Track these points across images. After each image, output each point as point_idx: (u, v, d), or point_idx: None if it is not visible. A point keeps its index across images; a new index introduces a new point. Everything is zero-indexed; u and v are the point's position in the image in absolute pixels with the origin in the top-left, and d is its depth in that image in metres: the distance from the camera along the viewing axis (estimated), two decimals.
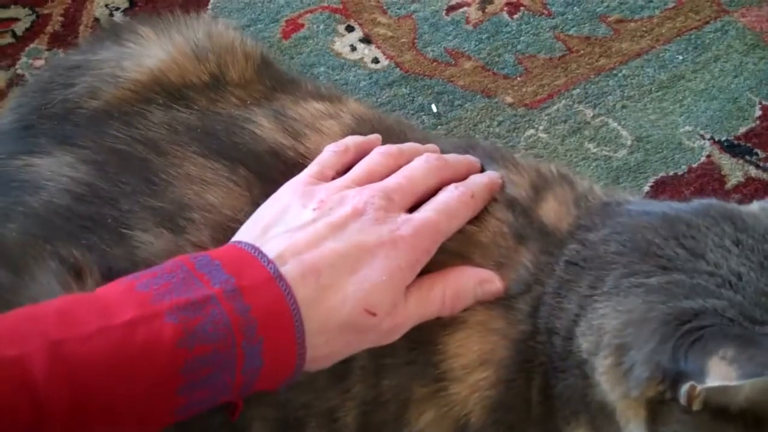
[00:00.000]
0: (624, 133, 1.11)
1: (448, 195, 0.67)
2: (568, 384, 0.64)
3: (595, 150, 1.09)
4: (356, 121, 0.77)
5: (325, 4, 1.24)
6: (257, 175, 0.70)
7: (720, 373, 0.54)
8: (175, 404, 0.54)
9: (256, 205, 0.66)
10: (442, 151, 0.73)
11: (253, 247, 0.60)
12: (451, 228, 0.66)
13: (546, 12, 1.23)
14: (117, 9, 1.22)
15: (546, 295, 0.65)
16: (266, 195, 0.67)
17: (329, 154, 0.70)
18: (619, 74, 1.17)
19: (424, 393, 0.65)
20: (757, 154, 1.09)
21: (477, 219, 0.68)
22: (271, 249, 0.59)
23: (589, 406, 0.63)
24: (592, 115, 1.13)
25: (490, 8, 1.23)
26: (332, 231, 0.62)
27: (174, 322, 0.53)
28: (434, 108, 1.13)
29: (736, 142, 1.10)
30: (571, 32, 1.21)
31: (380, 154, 0.70)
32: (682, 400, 0.57)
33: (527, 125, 1.12)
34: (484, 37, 1.20)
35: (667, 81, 1.16)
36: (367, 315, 0.60)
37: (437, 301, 0.64)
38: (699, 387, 0.56)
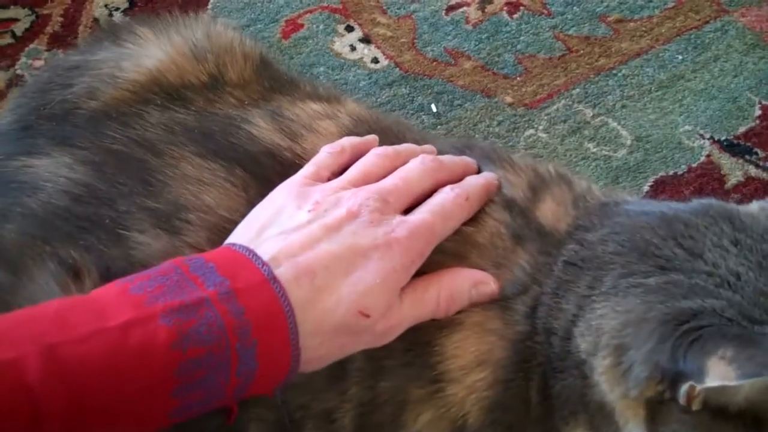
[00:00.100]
0: (624, 132, 1.11)
1: (444, 197, 0.67)
2: (566, 384, 0.64)
3: (594, 150, 1.09)
4: (354, 121, 0.77)
5: (325, 4, 1.24)
6: (253, 175, 0.70)
7: (719, 373, 0.54)
8: (170, 406, 0.54)
9: (252, 205, 0.66)
10: (439, 152, 0.73)
11: (248, 249, 0.60)
12: (446, 230, 0.66)
13: (546, 12, 1.23)
14: (116, 9, 1.22)
15: (544, 296, 0.65)
16: (262, 196, 0.67)
17: (325, 155, 0.70)
18: (619, 74, 1.17)
19: (422, 394, 0.65)
20: (756, 153, 1.09)
21: (474, 220, 0.68)
22: (265, 251, 0.59)
23: (588, 406, 0.63)
24: (591, 114, 1.13)
25: (489, 8, 1.23)
26: (327, 233, 0.62)
27: (168, 325, 0.53)
28: (434, 108, 1.13)
29: (735, 141, 1.10)
30: (570, 32, 1.21)
31: (376, 155, 0.70)
32: (682, 400, 0.57)
33: (527, 125, 1.12)
34: (483, 37, 1.20)
35: (666, 81, 1.16)
36: (361, 317, 0.60)
37: (432, 303, 0.64)
38: (698, 387, 0.56)
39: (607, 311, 0.62)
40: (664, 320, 0.59)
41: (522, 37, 1.20)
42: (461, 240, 0.67)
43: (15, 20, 1.21)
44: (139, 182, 0.69)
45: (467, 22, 1.22)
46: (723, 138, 1.10)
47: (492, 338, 0.65)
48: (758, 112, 1.12)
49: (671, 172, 1.07)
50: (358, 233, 0.62)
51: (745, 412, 0.57)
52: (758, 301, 0.59)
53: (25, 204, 0.70)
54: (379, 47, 1.19)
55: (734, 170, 1.07)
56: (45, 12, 1.22)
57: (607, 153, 1.09)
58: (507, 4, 1.24)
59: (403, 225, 0.63)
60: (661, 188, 1.06)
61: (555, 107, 1.13)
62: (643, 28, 1.21)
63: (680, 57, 1.18)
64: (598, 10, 1.23)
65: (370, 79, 1.16)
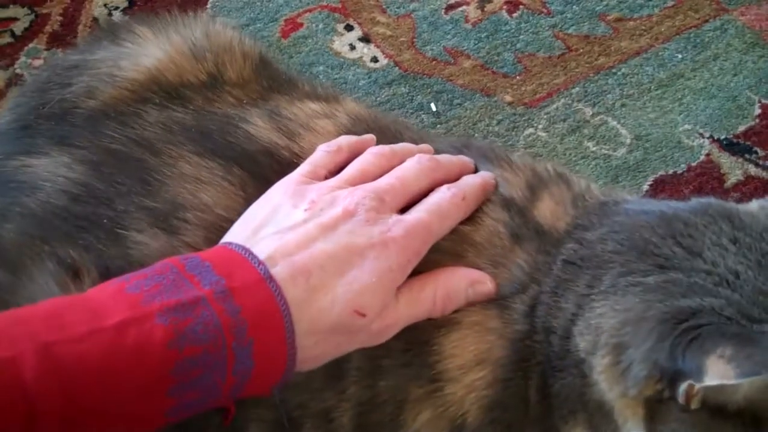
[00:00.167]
0: (623, 131, 1.11)
1: (440, 196, 0.67)
2: (565, 383, 0.64)
3: (594, 149, 1.09)
4: (352, 120, 0.77)
5: (324, 3, 1.24)
6: (251, 174, 0.70)
7: (718, 372, 0.54)
8: (166, 405, 0.54)
9: (249, 204, 0.66)
10: (437, 151, 0.73)
11: (244, 248, 0.60)
12: (443, 229, 0.66)
13: (545, 11, 1.23)
14: (116, 8, 1.22)
15: (543, 295, 0.65)
16: (260, 194, 0.67)
17: (322, 153, 0.70)
18: (619, 73, 1.17)
19: (420, 393, 0.65)
20: (756, 152, 1.09)
21: (471, 219, 0.68)
22: (261, 250, 0.59)
23: (587, 405, 0.63)
24: (591, 113, 1.13)
25: (489, 7, 1.23)
26: (323, 232, 0.62)
27: (164, 324, 0.53)
28: (433, 107, 1.13)
29: (735, 140, 1.10)
30: (570, 31, 1.21)
31: (373, 154, 0.70)
32: (680, 399, 0.57)
33: (526, 124, 1.11)
34: (483, 36, 1.20)
35: (666, 79, 1.16)
36: (356, 316, 0.60)
37: (428, 302, 0.64)
38: (697, 386, 0.55)
39: (606, 310, 0.62)
40: (663, 319, 0.59)
41: (521, 36, 1.20)
42: (458, 239, 0.67)
43: (14, 19, 1.21)
44: (138, 181, 0.69)
45: (467, 21, 1.22)
46: (722, 137, 1.10)
47: (491, 337, 0.65)
48: (758, 111, 1.12)
49: (671, 171, 1.07)
50: (354, 232, 0.62)
51: (743, 411, 0.56)
52: (757, 299, 0.59)
53: (24, 203, 0.70)
54: (378, 46, 1.19)
55: (734, 169, 1.07)
56: (44, 11, 1.22)
57: (606, 152, 1.09)
58: (506, 2, 1.24)
59: (399, 224, 0.63)
60: (660, 187, 1.06)
61: (554, 106, 1.13)
62: (643, 27, 1.21)
63: (680, 56, 1.18)
64: (597, 8, 1.23)
65: (369, 78, 1.16)
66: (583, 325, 0.63)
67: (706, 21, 1.22)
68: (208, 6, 1.23)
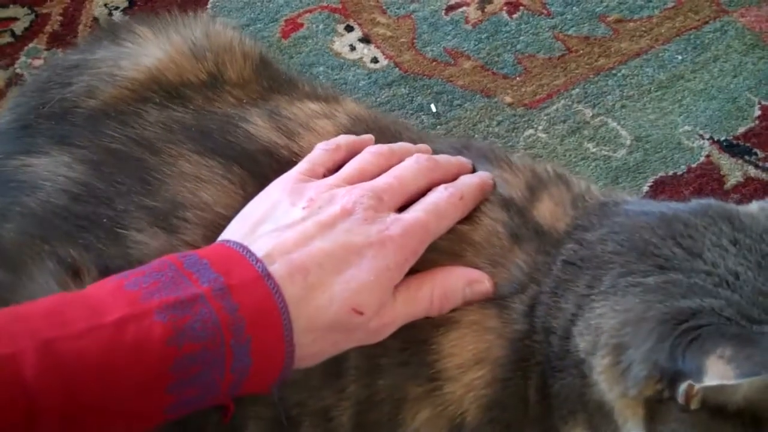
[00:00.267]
0: (623, 132, 1.11)
1: (438, 195, 0.67)
2: (565, 383, 0.64)
3: (594, 150, 1.09)
4: (351, 120, 0.77)
5: (325, 4, 1.24)
6: (251, 173, 0.70)
7: (718, 372, 0.54)
8: (165, 402, 0.54)
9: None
10: (437, 151, 0.73)
11: (241, 245, 0.60)
12: (440, 228, 0.66)
13: (545, 12, 1.23)
14: (116, 8, 1.22)
15: (543, 295, 0.65)
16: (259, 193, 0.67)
17: (320, 151, 0.70)
18: (619, 74, 1.17)
19: (419, 392, 0.65)
20: (756, 153, 1.09)
21: (470, 219, 0.69)
22: (259, 248, 0.60)
23: (587, 405, 0.63)
24: (591, 114, 1.13)
25: (489, 8, 1.23)
26: (321, 230, 0.62)
27: (163, 321, 0.53)
28: (433, 108, 1.13)
29: (735, 141, 1.10)
30: (570, 32, 1.21)
31: (371, 153, 0.70)
32: (680, 399, 0.57)
33: (526, 125, 1.12)
34: (483, 37, 1.20)
35: (666, 81, 1.16)
36: (354, 314, 0.60)
37: (425, 301, 0.64)
38: (697, 386, 0.56)
39: (606, 310, 0.62)
40: (663, 319, 0.59)
41: (521, 37, 1.20)
42: (456, 238, 0.68)
43: (14, 19, 1.21)
44: (138, 181, 0.69)
45: (467, 22, 1.22)
46: (722, 138, 1.10)
47: (490, 336, 0.65)
48: (758, 113, 1.12)
49: (671, 173, 1.07)
50: (351, 231, 0.62)
51: (743, 411, 0.56)
52: (757, 300, 0.59)
53: (24, 203, 0.70)
54: (378, 47, 1.19)
55: (734, 171, 1.07)
56: (44, 11, 1.22)
57: (606, 153, 1.09)
58: (506, 4, 1.24)
59: (397, 223, 0.64)
60: (660, 188, 1.06)
61: (554, 107, 1.13)
62: (643, 28, 1.21)
63: (680, 57, 1.18)
64: (597, 10, 1.23)
65: (369, 78, 1.16)
66: (583, 325, 0.63)
67: (706, 22, 1.22)
68: (209, 6, 1.23)
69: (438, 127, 1.11)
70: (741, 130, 1.11)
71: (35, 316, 0.53)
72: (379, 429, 0.66)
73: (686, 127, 1.11)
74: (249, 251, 0.59)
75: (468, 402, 0.64)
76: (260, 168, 0.70)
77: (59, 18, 1.21)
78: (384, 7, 1.24)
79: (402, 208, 0.66)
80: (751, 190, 1.06)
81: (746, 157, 1.08)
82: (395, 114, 1.11)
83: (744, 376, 0.53)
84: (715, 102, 1.13)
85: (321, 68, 1.17)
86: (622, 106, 1.13)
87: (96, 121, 0.75)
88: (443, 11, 1.23)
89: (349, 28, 1.21)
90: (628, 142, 1.10)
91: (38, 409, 0.49)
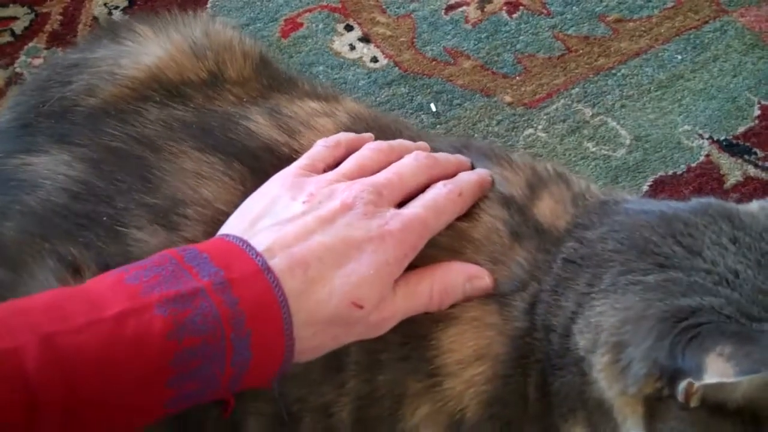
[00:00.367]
0: (623, 132, 1.11)
1: (437, 192, 0.67)
2: (565, 381, 0.64)
3: (594, 149, 1.09)
4: (352, 119, 0.77)
5: (324, 3, 1.24)
6: (251, 169, 0.70)
7: (717, 370, 0.54)
8: (165, 396, 0.54)
9: None
10: (437, 150, 0.73)
11: (241, 240, 0.60)
12: (439, 224, 0.67)
13: (545, 11, 1.23)
14: (116, 8, 1.22)
15: (543, 293, 0.65)
16: None
17: (320, 147, 0.70)
18: (618, 74, 1.17)
19: (419, 388, 0.65)
20: (755, 153, 1.09)
21: (470, 216, 0.69)
22: (259, 242, 0.60)
23: (587, 403, 0.63)
24: (591, 114, 1.13)
25: (489, 7, 1.23)
26: (321, 224, 0.62)
27: (164, 315, 0.53)
28: (433, 107, 1.13)
29: (734, 141, 1.10)
30: (570, 32, 1.21)
31: (371, 149, 0.70)
32: (680, 397, 0.57)
33: (526, 124, 1.12)
34: (483, 37, 1.20)
35: (666, 80, 1.16)
36: (354, 308, 0.60)
37: (425, 296, 0.64)
38: (696, 384, 0.56)
39: (606, 308, 0.62)
40: (663, 317, 0.59)
41: (521, 37, 1.20)
42: (456, 235, 0.68)
43: (14, 18, 1.21)
44: (138, 179, 0.69)
45: (466, 22, 1.22)
46: (722, 138, 1.10)
47: (490, 333, 0.65)
48: (757, 112, 1.12)
49: (670, 172, 1.07)
50: (352, 225, 0.62)
51: (743, 409, 0.56)
52: (756, 298, 0.59)
53: (24, 202, 0.70)
54: (378, 46, 1.19)
55: (733, 170, 1.07)
56: (44, 10, 1.22)
57: (606, 152, 1.09)
58: (506, 3, 1.24)
59: (396, 218, 0.64)
60: (660, 188, 1.06)
61: (554, 107, 1.13)
62: (643, 28, 1.21)
63: (679, 57, 1.18)
64: (597, 9, 1.23)
65: (369, 78, 1.16)
66: (583, 323, 0.63)
67: (706, 22, 1.22)
68: (208, 5, 1.23)
69: (438, 126, 1.11)
70: (740, 129, 1.11)
71: (35, 311, 0.53)
72: (379, 424, 0.66)
73: (686, 127, 1.11)
74: (249, 245, 0.59)
75: (468, 398, 0.65)
76: (261, 164, 0.71)
77: (59, 17, 1.21)
78: (384, 7, 1.24)
79: (401, 205, 0.66)
80: (751, 189, 1.06)
81: (746, 157, 1.08)
82: (395, 113, 1.11)
83: (743, 374, 0.53)
84: (714, 102, 1.14)
85: (321, 67, 1.17)
86: (622, 106, 1.13)
87: (96, 120, 0.75)
88: (443, 11, 1.23)
89: (349, 28, 1.21)
90: (628, 142, 1.10)
91: (39, 403, 0.49)
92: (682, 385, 0.56)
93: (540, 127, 1.11)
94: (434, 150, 0.73)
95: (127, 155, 0.71)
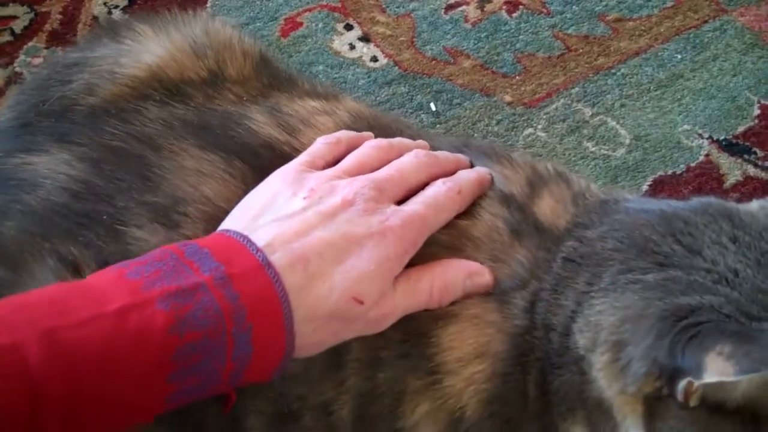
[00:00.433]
0: (622, 132, 1.11)
1: (436, 189, 0.68)
2: (564, 380, 0.64)
3: (593, 149, 1.09)
4: (352, 118, 0.77)
5: (324, 3, 1.24)
6: (252, 167, 0.70)
7: (717, 369, 0.54)
8: (167, 391, 0.55)
9: None
10: (437, 149, 0.73)
11: (242, 235, 0.60)
12: (439, 221, 0.67)
13: (545, 11, 1.23)
14: (116, 7, 1.23)
15: (543, 291, 0.65)
16: None
17: (320, 145, 0.71)
18: (618, 73, 1.17)
19: (419, 385, 0.65)
20: (755, 152, 1.09)
21: (470, 214, 0.69)
22: (260, 237, 0.60)
23: (586, 402, 0.63)
24: (590, 113, 1.13)
25: (488, 7, 1.23)
26: (322, 220, 0.62)
27: (165, 309, 0.54)
28: (433, 107, 1.13)
29: (734, 141, 1.10)
30: (569, 31, 1.21)
31: (371, 147, 0.71)
32: (679, 396, 0.57)
33: (526, 124, 1.12)
34: (482, 36, 1.20)
35: (665, 80, 1.16)
36: (354, 303, 0.60)
37: (425, 293, 0.64)
38: (696, 383, 0.56)
39: (606, 307, 0.62)
40: (663, 316, 0.59)
41: (521, 36, 1.20)
42: (456, 233, 0.68)
43: (14, 18, 1.21)
44: (138, 177, 0.69)
45: (466, 21, 1.22)
46: (722, 137, 1.10)
47: (490, 331, 0.65)
48: (757, 112, 1.13)
49: (670, 172, 1.07)
50: (352, 221, 0.62)
51: (742, 408, 0.57)
52: (756, 297, 0.59)
53: (25, 201, 0.70)
54: (378, 46, 1.19)
55: (733, 170, 1.07)
56: (44, 10, 1.22)
57: (605, 152, 1.09)
58: (506, 2, 1.24)
59: (397, 214, 0.64)
60: (659, 187, 1.06)
61: (554, 106, 1.13)
62: (642, 28, 1.21)
63: (679, 56, 1.18)
64: (597, 9, 1.23)
65: (369, 77, 1.16)
66: (583, 322, 0.63)
67: (706, 21, 1.22)
68: (208, 5, 1.23)
69: (437, 125, 1.11)
70: (740, 129, 1.11)
71: (37, 305, 0.53)
72: (379, 422, 0.66)
73: (685, 126, 1.11)
74: (249, 241, 0.59)
75: (468, 396, 0.65)
76: (261, 162, 0.71)
77: (59, 16, 1.21)
78: (383, 6, 1.24)
79: (401, 202, 0.67)
80: (751, 189, 1.06)
81: (745, 156, 1.09)
82: (395, 113, 1.11)
83: (743, 373, 0.53)
84: (714, 101, 1.14)
85: (320, 67, 1.17)
86: (622, 105, 1.13)
87: (96, 119, 0.75)
88: (443, 10, 1.23)
89: (349, 27, 1.22)
90: (628, 141, 1.10)
91: (42, 398, 0.50)
92: (682, 384, 0.56)
93: (540, 126, 1.11)
94: (434, 149, 0.73)
95: (127, 154, 0.71)
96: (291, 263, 0.59)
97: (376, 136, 0.73)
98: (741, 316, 0.58)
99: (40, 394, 0.49)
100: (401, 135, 0.76)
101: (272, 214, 0.63)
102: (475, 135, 1.10)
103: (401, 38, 1.20)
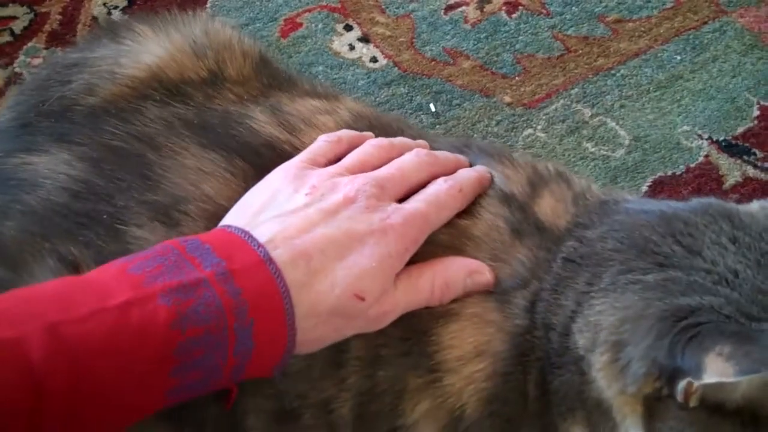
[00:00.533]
0: (622, 132, 1.11)
1: (437, 187, 0.68)
2: (564, 380, 0.64)
3: (593, 149, 1.09)
4: (353, 117, 0.77)
5: (324, 3, 1.24)
6: (253, 166, 0.70)
7: (717, 370, 0.54)
8: (168, 386, 0.55)
9: None
10: (437, 150, 0.74)
11: (243, 231, 0.60)
12: (440, 219, 0.67)
13: (544, 11, 1.23)
14: (115, 7, 1.23)
15: (543, 291, 0.65)
16: None
17: (322, 143, 0.71)
18: (618, 74, 1.17)
19: (419, 383, 0.65)
20: (755, 153, 1.09)
21: (470, 213, 0.69)
22: (262, 233, 0.60)
23: (586, 402, 0.63)
24: (590, 114, 1.13)
25: (488, 7, 1.23)
26: (324, 217, 0.62)
27: (167, 304, 0.54)
28: (432, 107, 1.13)
29: (734, 141, 1.10)
30: (569, 32, 1.21)
31: (372, 145, 0.71)
32: (679, 397, 0.57)
33: (525, 125, 1.12)
34: (482, 37, 1.20)
35: (665, 81, 1.16)
36: (356, 299, 0.60)
37: (426, 290, 0.65)
38: (696, 383, 0.56)
39: (606, 307, 0.62)
40: (663, 317, 0.59)
41: (521, 37, 1.20)
42: (457, 233, 0.68)
43: (13, 18, 1.21)
44: (138, 177, 0.69)
45: (466, 22, 1.22)
46: (721, 138, 1.10)
47: (491, 330, 0.65)
48: (756, 113, 1.13)
49: (669, 173, 1.07)
50: (354, 218, 0.63)
51: (742, 409, 0.56)
52: (756, 298, 0.59)
53: (24, 201, 0.70)
54: (377, 46, 1.19)
55: (732, 171, 1.08)
56: (43, 10, 1.22)
57: (605, 153, 1.09)
58: (506, 3, 1.24)
59: (398, 212, 0.64)
60: (659, 188, 1.06)
61: (553, 107, 1.13)
62: (642, 29, 1.21)
63: (679, 57, 1.18)
64: (596, 10, 1.23)
65: (368, 78, 1.16)
66: (583, 322, 0.63)
67: (705, 23, 1.22)
68: (208, 5, 1.23)
69: (437, 126, 1.11)
70: (740, 130, 1.11)
71: (39, 300, 0.53)
72: (380, 420, 0.66)
73: (685, 127, 1.11)
74: (251, 236, 0.60)
75: (468, 395, 0.65)
76: (262, 161, 0.71)
77: (58, 17, 1.21)
78: (383, 7, 1.24)
79: (401, 201, 0.67)
80: (750, 190, 1.06)
81: (745, 157, 1.09)
82: (394, 113, 1.11)
83: (743, 374, 0.53)
84: (713, 102, 1.14)
85: (320, 67, 1.17)
86: (621, 106, 1.13)
87: (96, 119, 0.75)
88: (442, 11, 1.23)
89: (348, 28, 1.22)
90: (627, 142, 1.10)
91: (45, 392, 0.50)
92: (682, 384, 0.56)
93: (539, 127, 1.11)
94: (435, 149, 0.74)
95: (127, 154, 0.71)
96: (293, 259, 0.59)
97: (376, 136, 0.74)
98: (741, 316, 0.58)
99: (43, 388, 0.50)
100: (402, 135, 0.76)
101: (274, 211, 0.63)
102: (475, 136, 1.10)
103: (401, 39, 1.20)
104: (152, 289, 0.54)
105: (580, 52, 1.19)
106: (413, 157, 0.70)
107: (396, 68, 1.17)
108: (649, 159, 1.08)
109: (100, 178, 0.70)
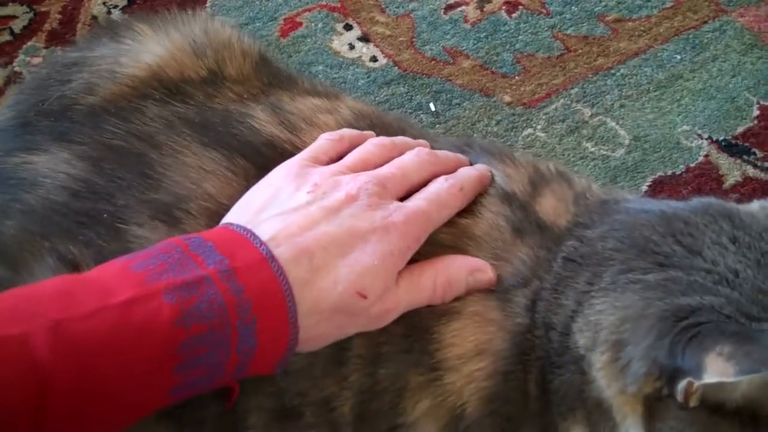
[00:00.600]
0: (622, 132, 1.11)
1: (439, 186, 0.68)
2: (564, 380, 0.64)
3: (593, 149, 1.09)
4: (354, 116, 0.77)
5: (324, 3, 1.24)
6: (254, 164, 0.70)
7: (717, 370, 0.54)
8: (171, 383, 0.55)
9: None
10: (438, 149, 0.74)
11: (246, 229, 0.60)
12: (441, 218, 0.67)
13: (544, 11, 1.23)
14: (115, 7, 1.22)
15: (544, 291, 0.65)
16: None
17: (323, 141, 0.71)
18: (617, 74, 1.17)
19: (420, 381, 0.65)
20: (754, 153, 1.09)
21: (471, 212, 0.69)
22: (264, 231, 0.60)
23: (586, 402, 0.63)
24: (590, 114, 1.13)
25: (488, 7, 1.23)
26: (326, 215, 0.62)
27: (170, 302, 0.54)
28: (432, 107, 1.13)
29: (733, 141, 1.10)
30: (569, 31, 1.21)
31: (374, 144, 0.71)
32: (679, 397, 0.57)
33: (525, 124, 1.12)
34: (482, 36, 1.20)
35: (665, 80, 1.16)
36: (358, 297, 0.60)
37: (428, 289, 0.65)
38: (696, 383, 0.56)
39: (606, 307, 0.62)
40: (663, 316, 0.59)
41: (520, 37, 1.20)
42: (458, 232, 0.68)
43: (13, 17, 1.21)
44: (138, 176, 0.69)
45: (466, 21, 1.22)
46: (721, 138, 1.10)
47: (491, 328, 0.65)
48: (756, 113, 1.13)
49: (669, 172, 1.07)
50: (356, 216, 0.63)
51: (742, 409, 0.56)
52: (756, 298, 0.59)
53: (24, 200, 0.70)
54: (377, 46, 1.19)
55: (732, 170, 1.08)
56: (43, 9, 1.22)
57: (605, 152, 1.09)
58: (506, 3, 1.24)
59: (400, 210, 0.64)
60: (659, 188, 1.06)
61: (553, 106, 1.13)
62: (642, 28, 1.21)
63: (678, 57, 1.18)
64: (596, 9, 1.23)
65: (368, 77, 1.16)
66: (583, 321, 0.63)
67: (705, 22, 1.22)
68: (208, 5, 1.23)
69: (437, 126, 1.11)
70: (739, 129, 1.11)
71: (43, 298, 0.53)
72: (380, 419, 0.66)
73: (685, 127, 1.11)
74: (253, 234, 0.60)
75: (468, 393, 0.65)
76: (264, 160, 0.71)
77: (58, 16, 1.21)
78: (383, 6, 1.24)
79: (402, 200, 0.67)
80: (750, 189, 1.06)
81: (745, 157, 1.09)
82: (395, 113, 1.11)
83: (743, 374, 0.53)
84: (713, 102, 1.14)
85: (320, 67, 1.17)
86: (621, 106, 1.13)
87: (96, 118, 0.75)
88: (442, 10, 1.23)
89: (348, 27, 1.22)
90: (627, 142, 1.10)
91: (49, 390, 0.50)
92: (682, 384, 0.56)
93: (539, 127, 1.11)
94: (436, 149, 0.74)
95: (127, 153, 0.71)
96: (295, 257, 0.59)
97: (378, 135, 0.74)
98: (741, 316, 0.58)
99: (48, 385, 0.50)
100: (403, 134, 0.76)
101: (276, 208, 0.63)
102: (475, 135, 1.10)
103: (401, 38, 1.20)
104: (155, 286, 0.54)
105: (580, 51, 1.19)
106: (414, 156, 0.70)
107: (396, 68, 1.17)
108: (649, 159, 1.08)
109: (100, 177, 0.70)
